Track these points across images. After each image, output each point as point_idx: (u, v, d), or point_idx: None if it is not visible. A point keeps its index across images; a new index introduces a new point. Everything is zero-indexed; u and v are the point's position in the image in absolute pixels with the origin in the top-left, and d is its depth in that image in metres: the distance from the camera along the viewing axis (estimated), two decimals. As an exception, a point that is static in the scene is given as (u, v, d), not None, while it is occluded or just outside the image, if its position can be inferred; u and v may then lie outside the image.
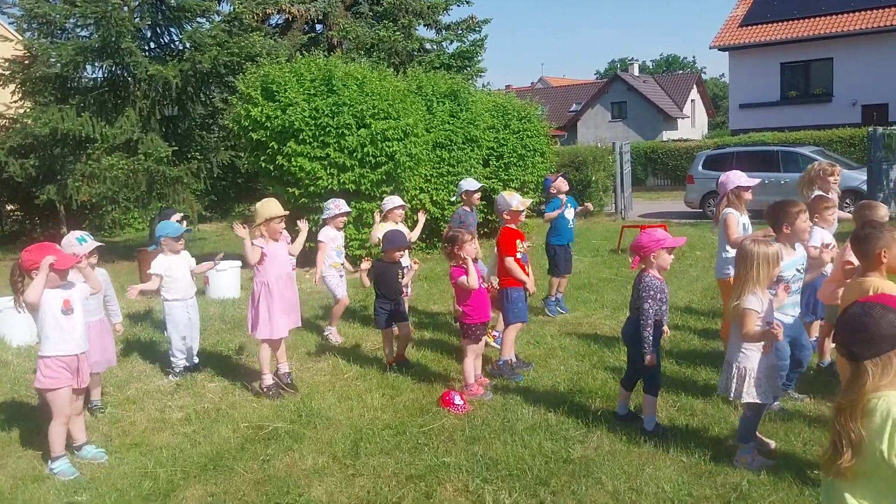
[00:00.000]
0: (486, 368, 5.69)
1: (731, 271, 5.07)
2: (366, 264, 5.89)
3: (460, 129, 12.75)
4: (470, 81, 18.99)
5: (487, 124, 13.59)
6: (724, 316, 5.42)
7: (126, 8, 13.34)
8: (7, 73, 13.99)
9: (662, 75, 57.17)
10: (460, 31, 21.50)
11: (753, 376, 3.86)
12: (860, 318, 2.15)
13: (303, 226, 5.92)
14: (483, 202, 7.66)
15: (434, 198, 12.52)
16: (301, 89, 10.50)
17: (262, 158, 10.70)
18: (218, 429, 4.81)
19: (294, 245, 5.78)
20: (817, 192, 5.75)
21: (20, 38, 14.25)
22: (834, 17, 26.33)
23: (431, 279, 10.04)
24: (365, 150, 10.36)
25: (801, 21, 26.99)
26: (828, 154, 16.45)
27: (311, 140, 10.32)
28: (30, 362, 6.33)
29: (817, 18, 26.66)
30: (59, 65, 13.25)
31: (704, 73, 65.63)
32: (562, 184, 7.79)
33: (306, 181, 10.29)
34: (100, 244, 4.90)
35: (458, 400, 4.98)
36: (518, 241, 5.58)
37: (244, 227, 5.32)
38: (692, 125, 48.02)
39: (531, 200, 5.95)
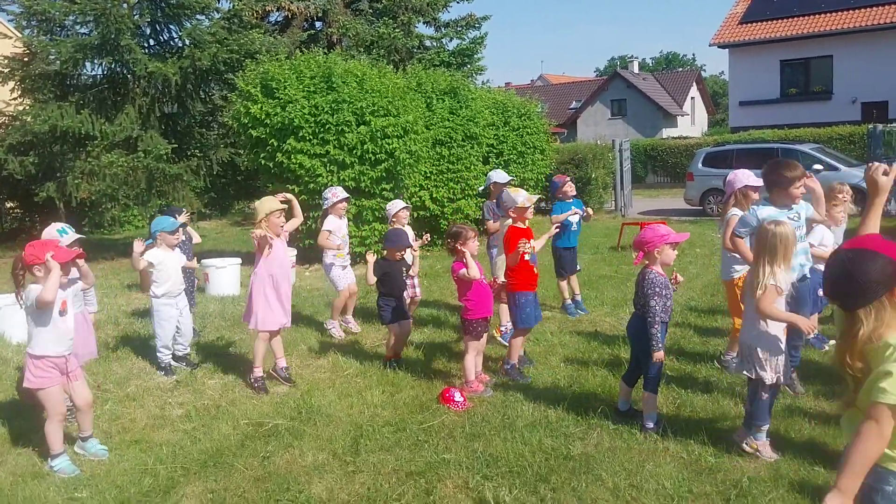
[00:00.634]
0: (488, 365, 5.68)
1: (737, 273, 5.08)
2: (371, 257, 5.87)
3: (460, 126, 12.75)
4: (470, 79, 18.97)
5: (487, 121, 13.58)
6: (733, 315, 5.33)
7: (125, 5, 13.30)
8: (6, 70, 13.95)
9: (662, 73, 57.10)
10: (460, 29, 21.48)
11: (770, 355, 3.88)
12: (845, 267, 2.11)
13: (288, 196, 5.66)
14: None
15: (434, 195, 12.52)
16: (301, 86, 10.49)
17: (262, 156, 10.69)
18: (218, 425, 4.81)
19: (293, 221, 5.74)
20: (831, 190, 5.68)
21: (19, 35, 14.22)
22: (834, 14, 26.32)
23: (432, 276, 10.04)
24: (365, 147, 10.36)
25: (801, 18, 26.98)
26: (828, 151, 16.44)
27: (310, 137, 10.32)
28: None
29: (817, 16, 26.66)
30: (58, 62, 13.21)
31: (704, 70, 65.53)
32: (570, 188, 7.76)
33: (306, 178, 10.29)
34: (80, 236, 5.05)
35: (458, 397, 4.97)
36: (522, 241, 5.40)
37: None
38: (692, 123, 47.97)
39: (537, 197, 5.82)
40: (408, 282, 6.59)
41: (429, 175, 12.46)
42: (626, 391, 4.66)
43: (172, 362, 6.09)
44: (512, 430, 4.48)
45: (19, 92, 14.27)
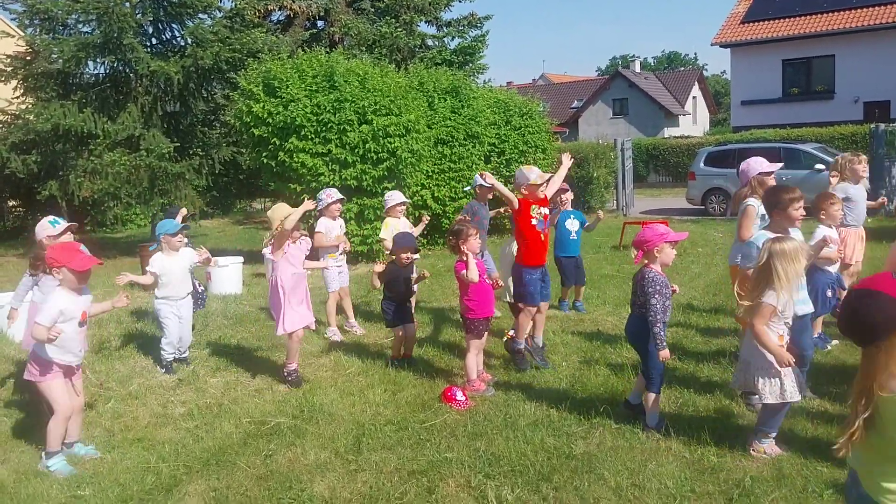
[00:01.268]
0: (489, 363, 5.69)
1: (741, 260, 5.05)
2: (379, 267, 5.90)
3: (462, 125, 12.74)
4: (471, 78, 18.96)
5: (489, 121, 13.57)
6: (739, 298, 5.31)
7: (128, 4, 13.31)
8: (9, 69, 13.98)
9: (664, 72, 57.04)
10: (461, 28, 21.48)
11: (773, 375, 3.83)
12: (853, 307, 2.14)
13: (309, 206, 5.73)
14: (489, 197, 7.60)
15: (435, 194, 12.52)
16: (303, 85, 10.50)
17: (264, 155, 10.70)
18: (220, 424, 4.81)
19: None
20: (827, 191, 5.69)
21: (22, 33, 14.25)
22: (836, 13, 26.28)
23: (433, 275, 10.02)
24: (367, 146, 10.36)
25: (803, 18, 26.93)
26: (830, 151, 16.42)
27: (312, 136, 10.32)
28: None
29: (819, 15, 26.61)
30: (60, 61, 13.24)
31: (706, 69, 65.52)
32: (569, 198, 7.77)
33: (308, 177, 10.29)
34: (72, 223, 5.35)
35: (460, 396, 4.97)
36: (534, 207, 5.35)
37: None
38: (694, 122, 47.92)
39: (550, 175, 5.78)
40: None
41: (431, 174, 12.46)
42: (642, 384, 4.53)
43: (172, 359, 6.10)
44: (514, 428, 4.47)
45: (22, 90, 14.30)
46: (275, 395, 5.39)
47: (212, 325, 7.55)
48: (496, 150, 14.05)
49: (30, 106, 14.18)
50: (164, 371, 5.99)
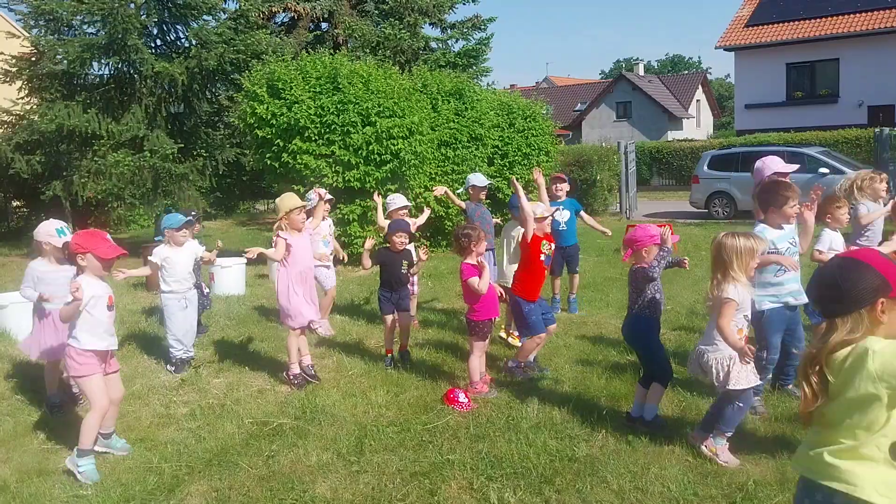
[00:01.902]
0: (492, 365, 5.68)
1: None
2: (369, 242, 5.89)
3: (465, 127, 12.74)
4: (475, 80, 18.97)
5: (492, 123, 13.57)
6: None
7: (132, 5, 13.35)
8: (14, 69, 14.04)
9: (668, 75, 57.08)
10: (465, 30, 21.48)
11: (736, 362, 3.83)
12: (834, 275, 2.11)
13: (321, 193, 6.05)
14: (488, 201, 7.62)
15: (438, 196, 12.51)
16: (306, 87, 10.51)
17: (268, 156, 10.71)
18: (222, 424, 4.81)
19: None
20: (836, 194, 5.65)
21: (27, 34, 14.30)
22: (840, 17, 26.26)
23: (436, 277, 10.04)
24: (370, 147, 10.37)
25: (807, 21, 26.92)
26: (834, 155, 16.39)
27: (316, 138, 10.33)
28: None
29: (823, 19, 26.60)
30: (65, 61, 13.28)
31: (710, 73, 65.46)
32: (565, 189, 7.72)
33: (311, 179, 10.30)
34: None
35: (462, 397, 4.97)
36: (544, 242, 5.35)
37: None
38: (697, 125, 47.93)
39: (556, 208, 5.80)
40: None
41: (434, 176, 12.44)
42: (642, 394, 4.52)
43: (181, 356, 6.10)
44: (516, 431, 4.47)
45: (26, 91, 14.36)
46: (277, 395, 5.39)
47: (215, 326, 7.56)
48: (499, 152, 14.04)
49: (34, 106, 14.23)
50: (173, 369, 6.00)
